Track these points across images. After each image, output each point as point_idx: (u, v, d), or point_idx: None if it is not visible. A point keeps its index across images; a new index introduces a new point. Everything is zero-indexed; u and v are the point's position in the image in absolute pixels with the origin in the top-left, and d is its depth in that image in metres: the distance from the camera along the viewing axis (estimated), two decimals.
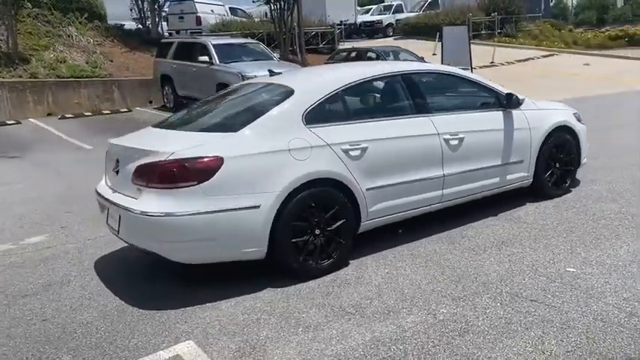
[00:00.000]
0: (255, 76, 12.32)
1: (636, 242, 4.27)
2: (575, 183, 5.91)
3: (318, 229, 4.02)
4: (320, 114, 4.15)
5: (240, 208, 3.69)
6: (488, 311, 3.38)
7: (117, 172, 4.10)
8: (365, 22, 32.80)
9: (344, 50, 19.04)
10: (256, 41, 15.97)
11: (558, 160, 5.56)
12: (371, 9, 35.73)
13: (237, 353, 3.13)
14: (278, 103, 4.10)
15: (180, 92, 14.82)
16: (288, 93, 4.17)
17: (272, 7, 19.76)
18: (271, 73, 4.82)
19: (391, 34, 32.04)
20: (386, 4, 35.17)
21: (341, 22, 26.26)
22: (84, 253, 5.01)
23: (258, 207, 3.73)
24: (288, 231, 3.86)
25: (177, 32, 22.88)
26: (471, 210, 5.19)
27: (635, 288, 3.53)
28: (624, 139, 8.40)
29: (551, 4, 47.44)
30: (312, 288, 3.91)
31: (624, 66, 20.91)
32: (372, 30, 32.44)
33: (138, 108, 16.10)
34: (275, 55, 15.06)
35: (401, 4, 33.82)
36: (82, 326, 3.60)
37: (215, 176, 3.64)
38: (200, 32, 22.10)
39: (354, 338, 3.19)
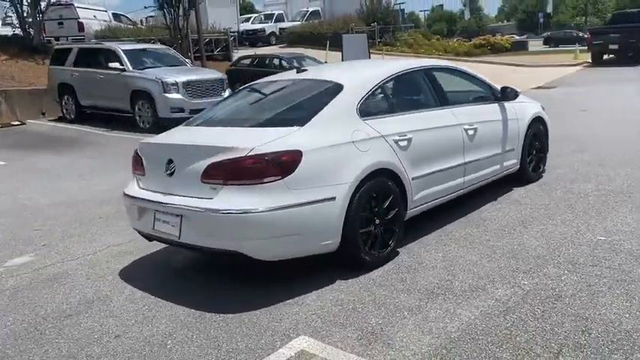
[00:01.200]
0: (176, 82, 11.99)
1: (636, 213, 4.90)
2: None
3: (378, 219, 4.11)
4: (369, 107, 4.26)
5: (319, 201, 3.68)
6: (563, 278, 3.72)
7: (171, 174, 3.86)
8: (247, 31, 32.86)
9: (247, 57, 18.96)
10: (166, 47, 15.38)
11: (535, 148, 6.16)
12: (251, 17, 35.86)
13: (362, 341, 3.14)
14: (331, 97, 4.13)
15: (83, 102, 13.83)
16: (338, 87, 4.22)
17: (166, 13, 19.12)
18: (298, 69, 4.81)
19: (274, 42, 32.42)
20: (267, 12, 35.56)
21: (227, 30, 26.01)
22: (97, 269, 4.60)
23: (334, 199, 3.75)
24: (357, 222, 3.91)
25: (57, 39, 21.18)
26: (469, 198, 5.53)
27: None
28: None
29: (405, 16, 51.18)
30: (383, 276, 3.99)
31: (498, 70, 23.11)
32: (254, 38, 32.57)
33: (31, 120, 14.75)
34: (187, 60, 14.62)
35: (282, 14, 34.40)
36: (167, 337, 3.36)
37: (297, 170, 3.60)
38: (83, 39, 20.71)
39: (464, 315, 3.34)
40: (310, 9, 33.91)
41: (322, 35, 28.49)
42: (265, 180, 3.52)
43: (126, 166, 8.93)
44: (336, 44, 26.30)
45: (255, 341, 3.23)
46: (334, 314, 3.48)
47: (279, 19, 33.82)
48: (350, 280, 3.95)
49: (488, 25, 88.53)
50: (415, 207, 4.51)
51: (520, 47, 33.29)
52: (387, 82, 4.49)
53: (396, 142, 4.24)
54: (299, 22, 32.11)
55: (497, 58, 27.21)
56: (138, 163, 4.23)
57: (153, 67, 12.85)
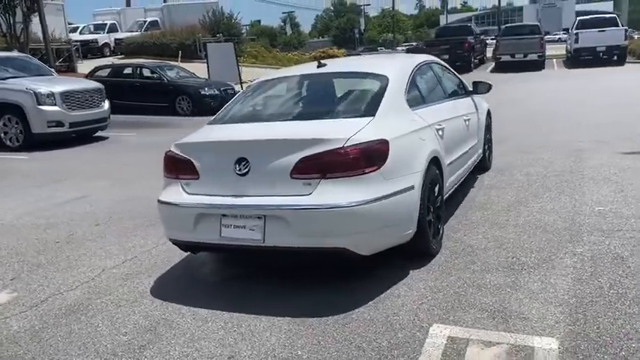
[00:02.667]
0: (52, 93, 10.66)
1: (603, 186, 5.61)
2: None
3: (432, 207, 4.17)
4: (410, 97, 4.30)
5: (405, 190, 3.65)
6: (607, 243, 4.14)
7: (244, 173, 3.49)
8: (77, 42, 30.19)
9: (104, 67, 17.44)
10: (26, 55, 13.52)
11: (487, 139, 6.70)
12: (79, 27, 33.07)
13: (497, 319, 3.18)
14: (383, 88, 4.08)
15: None
16: (384, 78, 4.18)
17: (1, 19, 16.87)
18: (319, 64, 4.63)
19: (108, 53, 30.33)
20: (97, 22, 33.06)
21: (69, 39, 23.77)
22: (117, 294, 3.98)
23: (413, 187, 3.74)
24: (424, 209, 3.93)
25: None
26: None
27: None
28: None
29: None
30: (449, 262, 4.05)
31: None
32: (86, 50, 30.05)
33: None
34: (52, 70, 13.06)
35: (115, 24, 32.27)
36: (294, 349, 3.06)
37: (388, 159, 3.53)
38: None
39: (561, 283, 3.55)
40: (149, 19, 32.34)
41: (166, 46, 27.45)
42: (367, 170, 3.40)
43: (25, 187, 7.77)
44: (188, 55, 25.71)
45: (392, 336, 3.10)
46: (443, 300, 3.46)
47: (113, 29, 31.65)
48: (423, 269, 3.95)
49: (307, 41, 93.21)
50: (445, 194, 4.65)
51: None
52: (415, 74, 4.55)
53: (437, 130, 4.36)
54: (137, 33, 30.41)
55: None
56: (183, 167, 3.74)
57: (16, 77, 11.24)
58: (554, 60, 26.23)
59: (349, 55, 35.94)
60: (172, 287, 4.05)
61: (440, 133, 4.40)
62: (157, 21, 32.00)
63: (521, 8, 75.35)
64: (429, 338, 3.05)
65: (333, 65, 4.79)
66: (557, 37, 52.60)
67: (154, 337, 3.30)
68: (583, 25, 22.67)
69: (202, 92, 15.80)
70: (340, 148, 3.36)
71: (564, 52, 27.18)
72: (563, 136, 8.49)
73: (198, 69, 19.11)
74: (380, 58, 6.34)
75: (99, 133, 12.36)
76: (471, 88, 5.98)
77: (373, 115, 3.79)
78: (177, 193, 3.76)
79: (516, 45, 22.94)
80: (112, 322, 3.55)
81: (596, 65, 21.80)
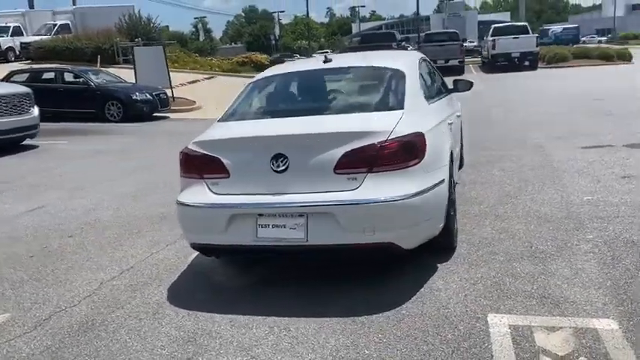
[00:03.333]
0: None
1: (579, 178, 5.90)
2: None
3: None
4: (424, 92, 4.29)
5: (439, 183, 3.62)
6: (611, 229, 4.34)
7: (283, 170, 3.31)
8: None
9: (22, 71, 16.17)
10: None
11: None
12: None
13: (547, 306, 3.22)
14: (402, 82, 4.02)
15: None
16: (401, 73, 4.13)
17: None
18: (325, 59, 4.48)
19: (13, 58, 28.26)
20: None
21: None
22: (130, 307, 3.66)
23: (444, 181, 3.72)
24: (449, 204, 3.92)
25: None
26: None
27: None
28: None
29: None
30: (471, 254, 4.07)
31: None
32: None
33: None
34: None
35: (19, 27, 30.07)
36: (358, 348, 2.94)
37: (426, 152, 3.49)
38: None
39: (589, 268, 3.67)
40: (59, 22, 30.39)
41: (81, 50, 25.97)
42: (410, 164, 3.34)
43: None
44: (106, 60, 24.49)
45: (453, 329, 3.05)
46: (486, 291, 3.46)
47: (17, 32, 29.46)
48: (449, 262, 3.95)
49: (219, 47, 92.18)
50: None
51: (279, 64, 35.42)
52: (419, 69, 4.54)
53: (448, 125, 4.39)
54: (47, 37, 28.51)
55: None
56: (209, 165, 3.49)
57: None
58: (471, 66, 27.60)
59: (273, 62, 35.90)
60: (190, 296, 3.77)
61: (450, 128, 4.43)
62: (68, 24, 30.14)
63: (428, 17, 78.58)
64: (492, 328, 3.03)
65: (339, 61, 4.68)
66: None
67: (198, 349, 3.05)
68: (498, 32, 24.02)
69: (134, 97, 15.10)
70: (385, 141, 3.28)
71: (478, 58, 28.69)
72: (515, 134, 8.90)
73: (119, 74, 18.19)
74: (379, 53, 6.24)
75: (27, 142, 11.43)
76: (451, 86, 6.08)
77: (402, 108, 3.74)
78: (202, 194, 3.50)
79: (438, 51, 23.87)
80: (141, 336, 3.24)
81: (511, 70, 23.19)
